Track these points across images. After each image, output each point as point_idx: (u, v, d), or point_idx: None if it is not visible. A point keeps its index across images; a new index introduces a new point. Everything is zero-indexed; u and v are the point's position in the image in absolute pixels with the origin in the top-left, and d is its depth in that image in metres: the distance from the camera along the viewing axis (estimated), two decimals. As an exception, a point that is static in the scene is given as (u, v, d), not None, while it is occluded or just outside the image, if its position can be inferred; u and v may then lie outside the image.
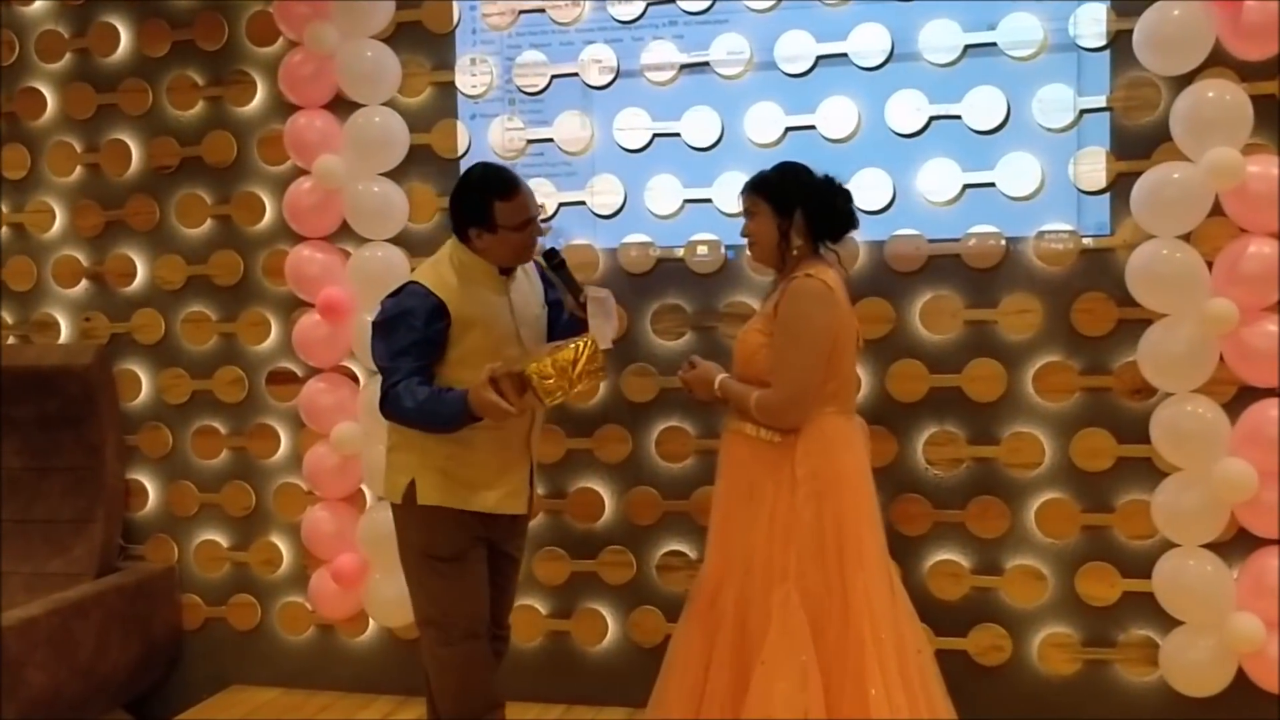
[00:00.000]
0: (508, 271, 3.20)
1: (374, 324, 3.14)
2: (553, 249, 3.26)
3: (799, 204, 3.08)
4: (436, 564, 3.22)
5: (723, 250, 4.02)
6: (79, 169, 4.58)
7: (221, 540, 4.52)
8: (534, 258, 3.28)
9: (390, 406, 3.06)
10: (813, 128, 3.90)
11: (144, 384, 4.55)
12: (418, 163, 4.20)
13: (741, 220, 3.21)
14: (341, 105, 4.19)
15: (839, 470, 3.02)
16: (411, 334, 3.04)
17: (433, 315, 3.05)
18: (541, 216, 3.21)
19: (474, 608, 3.26)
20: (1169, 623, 3.65)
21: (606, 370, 3.16)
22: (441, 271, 3.14)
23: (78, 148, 4.57)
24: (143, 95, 4.48)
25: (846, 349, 3.08)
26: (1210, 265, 3.52)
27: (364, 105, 4.14)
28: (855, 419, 3.15)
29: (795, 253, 3.08)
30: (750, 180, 3.17)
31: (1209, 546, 3.59)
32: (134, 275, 4.53)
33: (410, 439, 3.15)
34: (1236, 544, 3.60)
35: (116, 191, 4.53)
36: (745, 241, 3.20)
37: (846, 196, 3.13)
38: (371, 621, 4.35)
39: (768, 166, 3.18)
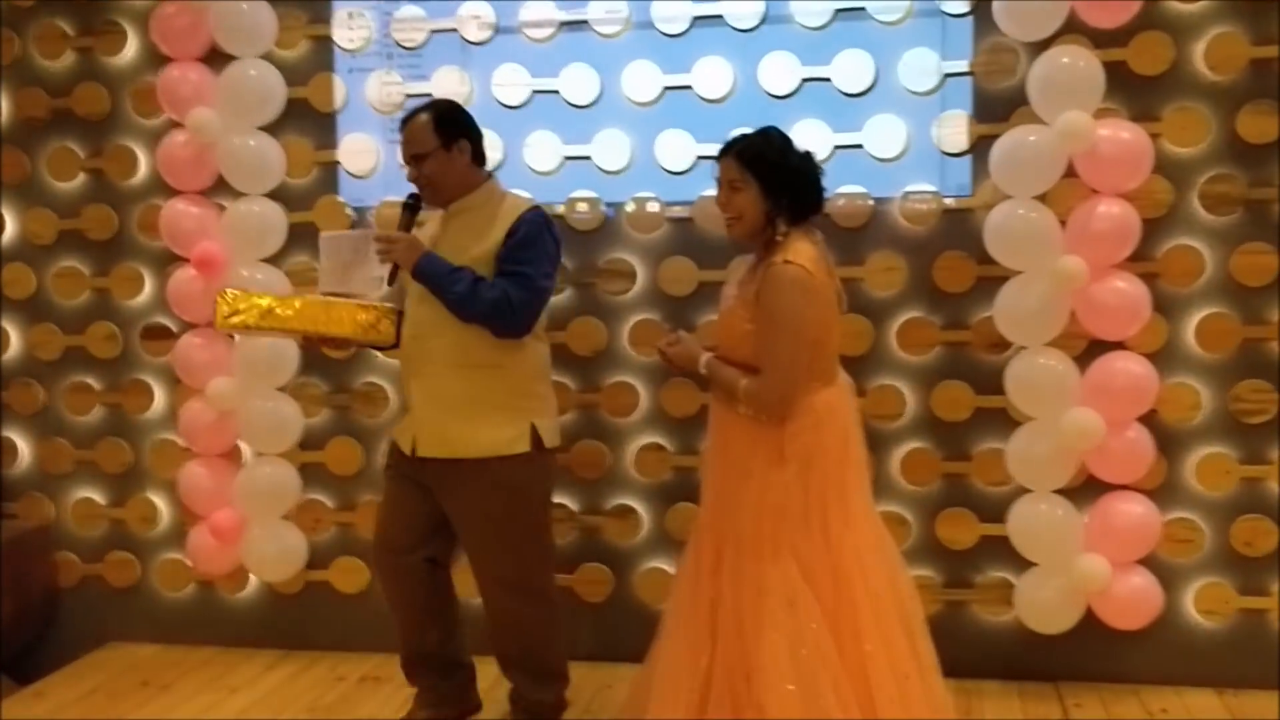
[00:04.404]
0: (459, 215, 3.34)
1: None
2: (414, 194, 3.32)
3: (788, 188, 2.96)
4: None
5: (602, 208, 4.08)
6: (-57, 120, 4.47)
7: (98, 497, 4.48)
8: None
9: None
10: (689, 88, 3.98)
11: (14, 340, 4.47)
12: (294, 117, 4.18)
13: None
14: (216, 58, 4.14)
15: (823, 443, 3.01)
16: None
17: None
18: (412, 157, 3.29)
19: (379, 524, 3.49)
20: (1022, 564, 3.83)
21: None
22: None
23: (-58, 98, 4.45)
24: (9, 44, 4.37)
25: (830, 326, 3.03)
26: (1063, 224, 3.68)
27: (239, 58, 4.10)
28: (838, 380, 3.10)
29: (780, 238, 2.96)
30: (736, 148, 2.99)
31: (1060, 492, 3.77)
32: (3, 229, 4.43)
33: None
34: (1085, 489, 3.79)
35: (-16, 143, 4.44)
36: (726, 217, 3.02)
37: (821, 175, 3.04)
38: (252, 577, 4.35)
39: (748, 131, 3.02)
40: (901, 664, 2.98)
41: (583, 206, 4.08)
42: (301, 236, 4.21)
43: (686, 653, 3.06)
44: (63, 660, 4.36)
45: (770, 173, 2.95)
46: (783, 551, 2.97)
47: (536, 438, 3.31)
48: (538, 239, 3.25)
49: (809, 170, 3.01)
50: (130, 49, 4.30)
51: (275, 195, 4.17)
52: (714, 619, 3.03)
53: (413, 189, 3.33)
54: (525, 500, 3.35)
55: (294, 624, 4.34)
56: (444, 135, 3.25)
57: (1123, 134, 3.63)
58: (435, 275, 3.21)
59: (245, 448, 4.27)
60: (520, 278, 3.20)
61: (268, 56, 4.14)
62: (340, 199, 4.20)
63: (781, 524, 2.98)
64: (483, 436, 3.26)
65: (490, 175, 3.39)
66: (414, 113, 3.30)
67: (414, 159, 3.26)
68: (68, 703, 3.98)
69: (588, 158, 4.06)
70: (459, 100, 4.02)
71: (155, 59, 4.24)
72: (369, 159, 4.18)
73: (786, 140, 3.02)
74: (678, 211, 4.04)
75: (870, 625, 2.96)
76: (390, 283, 3.25)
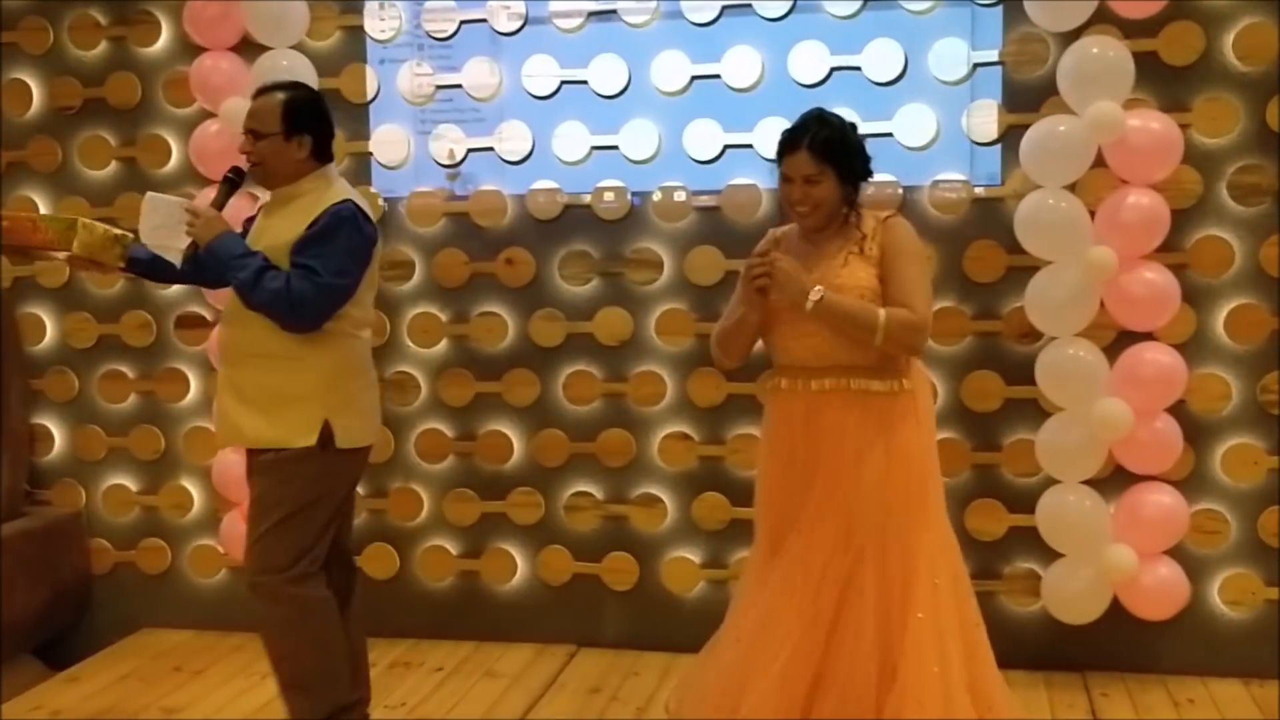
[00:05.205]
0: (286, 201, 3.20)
1: None
2: (238, 168, 3.24)
3: (858, 166, 2.96)
4: None
5: (629, 197, 4.10)
6: (-22, 109, 4.51)
7: (130, 484, 4.51)
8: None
9: None
10: (718, 77, 3.99)
11: (49, 328, 4.51)
12: (326, 107, 4.21)
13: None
14: (248, 48, 4.17)
15: (931, 406, 3.10)
16: None
17: None
18: (246, 143, 3.16)
19: None
20: (1050, 555, 3.84)
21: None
22: None
23: (-24, 87, 4.49)
24: (43, 34, 4.40)
25: None
26: (1093, 214, 3.68)
27: (271, 48, 4.12)
28: None
29: (855, 216, 2.98)
30: (806, 142, 2.89)
31: (1088, 483, 3.77)
32: (36, 218, 4.48)
33: None
34: (1113, 480, 3.80)
35: (17, 132, 4.46)
36: (800, 209, 2.94)
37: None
38: (283, 563, 4.39)
39: (810, 120, 2.93)
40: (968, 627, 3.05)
41: (610, 196, 4.10)
42: (332, 226, 4.24)
43: (791, 654, 2.94)
44: (96, 646, 4.41)
45: (844, 159, 2.93)
46: (930, 517, 2.99)
47: (327, 435, 3.12)
48: (335, 233, 3.07)
49: (863, 143, 2.99)
50: (163, 39, 4.33)
51: (307, 185, 4.19)
52: (837, 610, 2.93)
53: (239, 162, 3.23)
54: (289, 491, 3.12)
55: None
56: (289, 124, 3.10)
57: (1152, 124, 3.63)
58: (225, 257, 3.08)
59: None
60: (307, 271, 3.04)
61: (300, 47, 4.16)
62: (372, 189, 4.23)
63: (928, 488, 3.00)
64: (270, 428, 3.12)
65: (324, 164, 3.20)
66: (271, 87, 3.18)
67: (251, 133, 3.13)
68: (101, 688, 4.03)
69: (615, 147, 4.07)
70: (491, 87, 4.11)
71: (188, 49, 4.27)
72: (400, 149, 4.21)
73: (841, 119, 2.98)
74: (705, 200, 4.05)
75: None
76: (187, 257, 3.13)
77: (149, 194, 3.24)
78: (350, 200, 3.14)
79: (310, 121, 3.15)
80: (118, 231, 3.24)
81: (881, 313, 2.87)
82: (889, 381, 2.95)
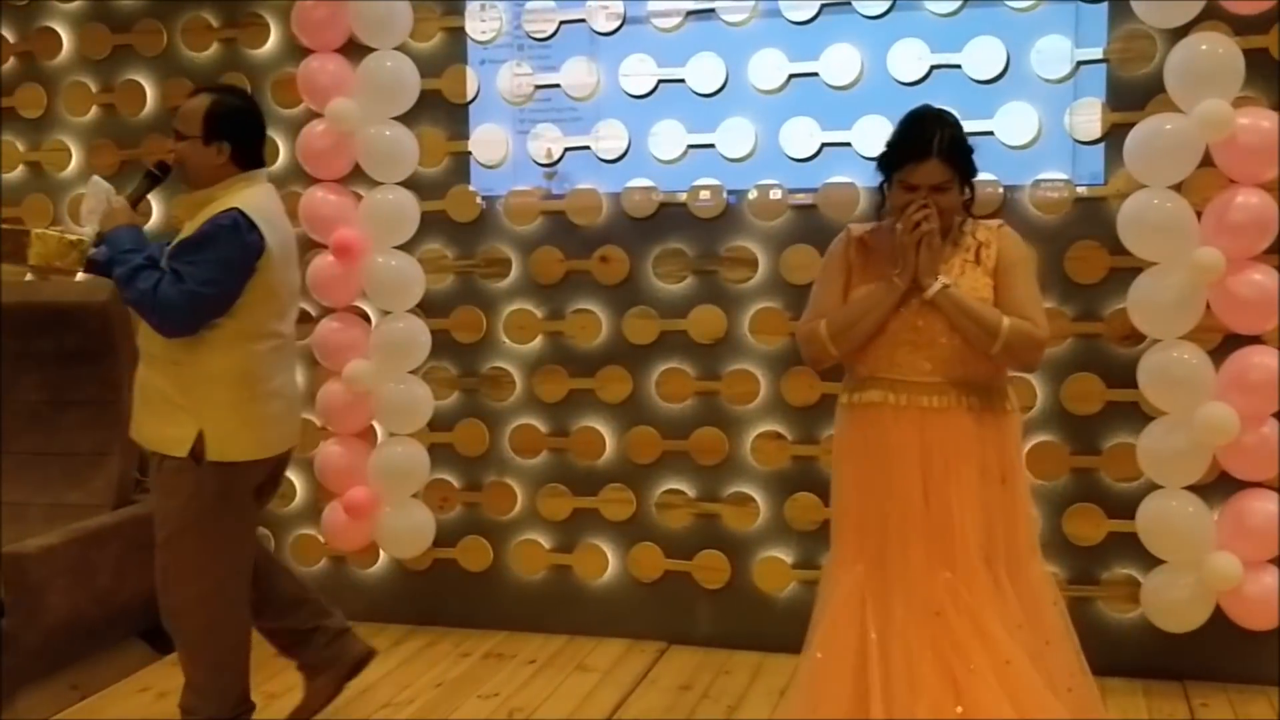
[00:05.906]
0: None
1: None
2: (163, 163, 3.27)
3: (975, 170, 2.82)
4: None
5: (724, 195, 4.10)
6: (95, 109, 4.66)
7: (235, 474, 4.64)
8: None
9: None
10: (816, 75, 3.98)
11: (160, 322, 4.65)
12: (428, 107, 4.28)
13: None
14: (354, 49, 4.25)
15: None
16: None
17: None
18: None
19: None
20: (1151, 562, 3.77)
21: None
22: None
23: (93, 88, 4.64)
24: (157, 36, 4.55)
25: None
26: (1200, 215, 3.60)
27: (376, 50, 4.21)
28: None
29: (969, 222, 2.86)
30: (935, 149, 2.71)
31: (1191, 488, 3.69)
32: (149, 214, 4.60)
33: None
34: (1218, 486, 3.72)
35: (132, 131, 4.61)
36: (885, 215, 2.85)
37: None
38: (382, 553, 4.48)
39: (929, 120, 2.77)
40: None
41: (705, 194, 4.11)
42: (434, 224, 4.32)
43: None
44: (201, 629, 4.52)
45: (968, 160, 2.81)
46: (1036, 549, 2.96)
47: (200, 446, 3.10)
48: (212, 241, 3.04)
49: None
50: (272, 40, 4.45)
51: (409, 184, 4.28)
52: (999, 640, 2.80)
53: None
54: (172, 505, 3.17)
55: (421, 600, 4.46)
56: (208, 129, 3.12)
57: (1263, 123, 3.55)
58: (113, 250, 3.10)
59: (379, 428, 4.39)
60: (176, 276, 3.03)
61: (403, 48, 4.23)
62: (471, 188, 4.30)
63: (1032, 517, 2.99)
64: (152, 429, 3.16)
65: (249, 171, 3.20)
66: (204, 89, 3.26)
67: (175, 132, 3.18)
68: (206, 670, 4.14)
69: (712, 145, 4.08)
70: (589, 87, 4.15)
71: (295, 50, 4.37)
72: (499, 149, 4.27)
73: (953, 114, 2.85)
74: (801, 199, 4.04)
75: None
76: (95, 244, 3.16)
77: (93, 178, 3.32)
78: (236, 209, 3.08)
79: (231, 129, 3.15)
80: (73, 237, 3.23)
81: (1006, 319, 2.75)
82: (1001, 401, 2.88)
